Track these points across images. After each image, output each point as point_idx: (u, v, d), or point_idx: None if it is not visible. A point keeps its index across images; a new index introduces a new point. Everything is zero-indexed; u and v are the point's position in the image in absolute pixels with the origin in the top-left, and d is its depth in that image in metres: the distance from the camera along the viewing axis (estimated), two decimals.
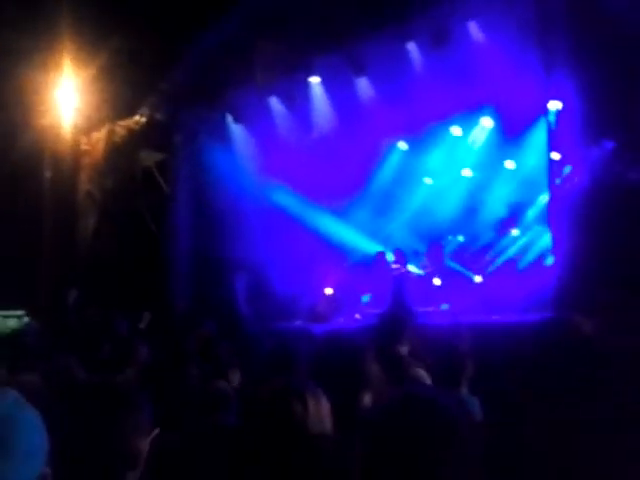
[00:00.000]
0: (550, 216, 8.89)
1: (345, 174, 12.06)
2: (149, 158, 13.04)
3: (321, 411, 2.06)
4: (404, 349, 3.70)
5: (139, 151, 12.91)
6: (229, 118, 12.39)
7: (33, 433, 1.17)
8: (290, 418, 1.99)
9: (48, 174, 12.19)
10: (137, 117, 12.74)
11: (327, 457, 1.82)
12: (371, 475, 1.28)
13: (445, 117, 11.10)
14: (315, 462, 1.81)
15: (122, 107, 12.49)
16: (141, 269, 11.77)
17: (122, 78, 11.41)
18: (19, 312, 10.19)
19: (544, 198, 9.74)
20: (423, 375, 3.30)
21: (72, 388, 2.67)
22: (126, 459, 1.77)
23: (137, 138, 12.82)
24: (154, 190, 12.92)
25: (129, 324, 5.93)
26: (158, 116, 12.79)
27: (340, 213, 12.25)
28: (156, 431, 1.88)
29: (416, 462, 1.25)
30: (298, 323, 10.39)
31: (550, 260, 9.27)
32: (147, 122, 12.74)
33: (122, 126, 12.98)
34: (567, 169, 8.24)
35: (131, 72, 11.15)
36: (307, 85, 11.48)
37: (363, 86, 11.08)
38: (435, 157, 12.19)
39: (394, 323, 4.01)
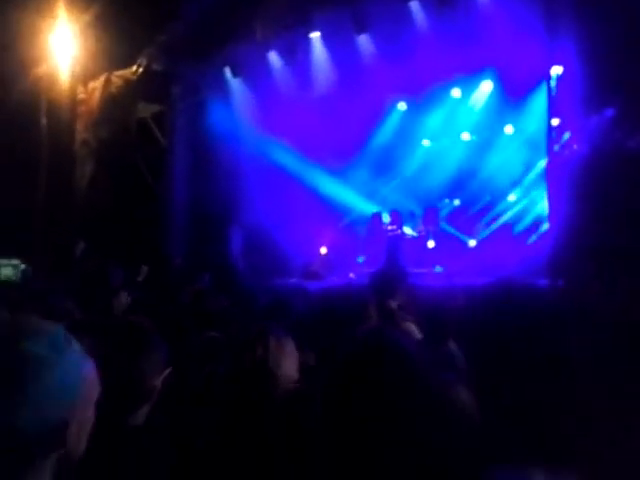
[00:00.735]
0: (547, 182, 8.89)
1: (343, 133, 11.99)
2: (145, 109, 12.89)
3: (284, 355, 2.15)
4: (394, 303, 3.78)
5: (135, 102, 12.74)
6: (228, 72, 12.23)
7: (63, 376, 1.13)
8: (252, 358, 2.11)
9: (45, 121, 12.03)
10: (134, 67, 12.54)
11: (291, 399, 1.91)
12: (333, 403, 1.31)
13: (446, 78, 11.00)
14: (277, 402, 1.90)
15: (119, 57, 12.26)
16: (137, 221, 11.75)
17: (119, 28, 11.16)
18: (15, 261, 10.20)
19: (543, 164, 9.73)
20: (414, 329, 3.37)
21: (87, 326, 2.73)
22: (141, 394, 1.89)
23: (134, 89, 12.63)
24: (150, 142, 12.82)
25: (125, 275, 5.94)
26: (155, 67, 12.57)
27: (337, 172, 12.22)
28: (168, 370, 1.99)
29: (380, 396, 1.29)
30: (293, 280, 10.48)
31: (545, 226, 9.31)
32: (144, 73, 12.52)
33: (119, 76, 12.77)
34: (566, 135, 8.20)
35: (128, 22, 10.90)
36: (308, 41, 11.29)
37: (364, 44, 10.92)
38: (434, 119, 12.12)
39: (386, 279, 4.07)
